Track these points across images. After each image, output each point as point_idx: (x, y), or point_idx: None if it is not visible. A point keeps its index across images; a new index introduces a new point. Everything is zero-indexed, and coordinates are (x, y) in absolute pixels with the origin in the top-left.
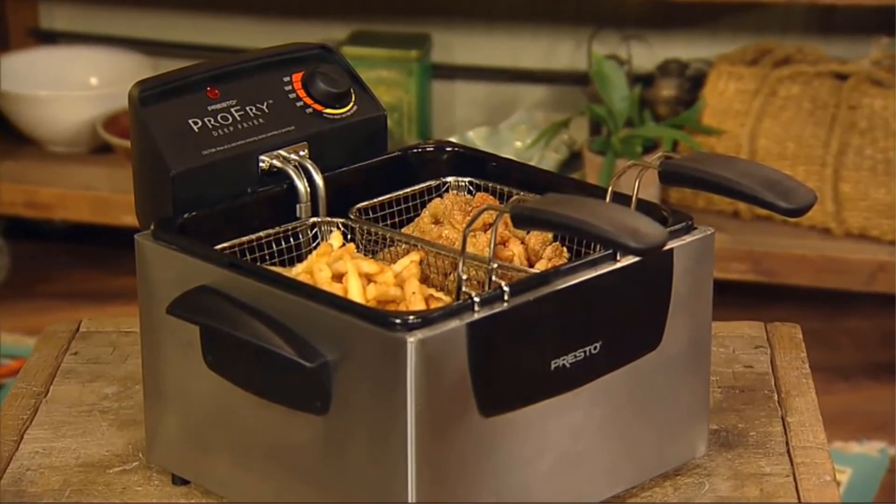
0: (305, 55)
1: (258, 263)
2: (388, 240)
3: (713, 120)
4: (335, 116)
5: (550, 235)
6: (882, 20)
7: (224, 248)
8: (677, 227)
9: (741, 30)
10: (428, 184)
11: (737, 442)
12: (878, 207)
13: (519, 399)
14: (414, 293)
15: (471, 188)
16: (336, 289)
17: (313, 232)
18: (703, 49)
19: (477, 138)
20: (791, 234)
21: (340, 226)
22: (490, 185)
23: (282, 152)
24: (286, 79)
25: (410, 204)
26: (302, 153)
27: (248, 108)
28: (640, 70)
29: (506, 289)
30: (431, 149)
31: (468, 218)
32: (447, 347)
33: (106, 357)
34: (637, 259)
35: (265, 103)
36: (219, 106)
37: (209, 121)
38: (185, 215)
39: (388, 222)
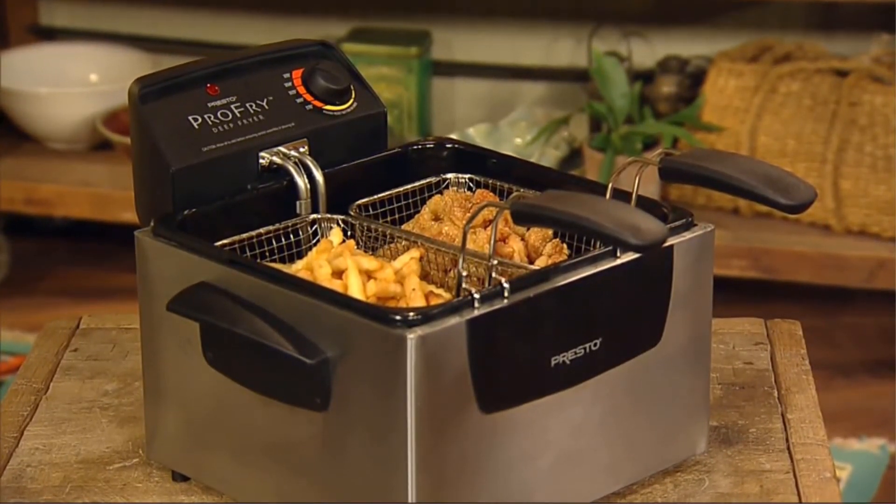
0: (305, 52)
1: (258, 260)
2: (388, 236)
3: (713, 117)
4: (335, 113)
5: (550, 232)
6: (882, 17)
7: (224, 245)
8: (677, 223)
9: (741, 26)
10: (428, 180)
11: (737, 438)
12: (879, 204)
13: (519, 396)
14: (414, 290)
15: (471, 185)
16: (336, 285)
17: (313, 228)
18: (703, 46)
19: (477, 135)
20: (791, 230)
21: (340, 222)
22: (490, 181)
23: (282, 149)
24: (286, 75)
25: (410, 200)
26: (302, 150)
27: (248, 105)
28: (640, 67)
29: (506, 285)
30: (431, 145)
31: (468, 214)
32: (447, 344)
33: (106, 354)
34: (637, 256)
35: (265, 100)
36: (219, 103)
37: (209, 117)
38: (185, 212)
39: (388, 219)
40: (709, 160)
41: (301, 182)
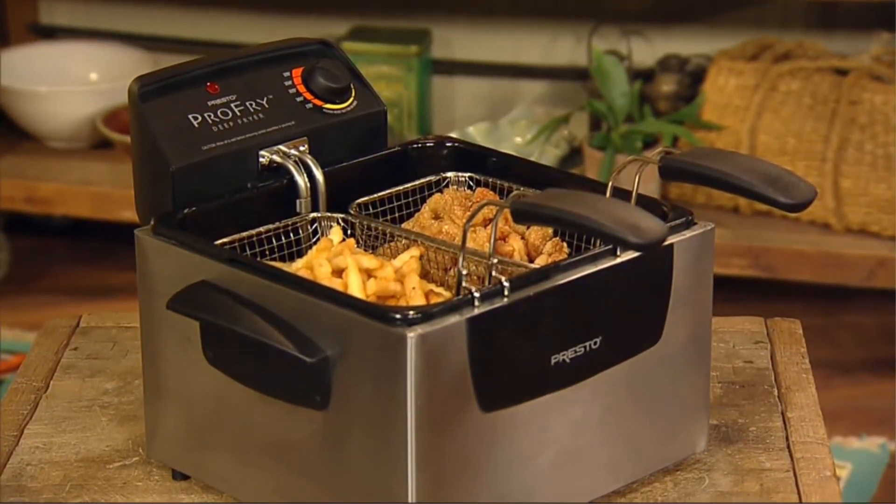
0: (305, 50)
1: (258, 259)
2: (388, 235)
3: (713, 115)
4: (335, 112)
5: (550, 231)
6: (882, 15)
7: (224, 244)
8: (677, 222)
9: (741, 25)
10: (428, 179)
11: (737, 437)
12: (879, 203)
13: (519, 394)
14: (414, 288)
15: (471, 183)
16: (336, 284)
17: (313, 227)
18: (703, 44)
19: (477, 134)
20: (791, 229)
21: (340, 221)
22: (490, 180)
23: (282, 147)
24: (286, 74)
25: (410, 199)
26: (302, 148)
27: (247, 104)
28: (640, 65)
29: (506, 284)
30: (431, 144)
31: (468, 213)
32: (447, 343)
33: (106, 352)
34: (637, 254)
35: (265, 98)
36: (219, 101)
37: (209, 116)
38: (185, 210)
39: (388, 217)
40: (709, 159)
41: (301, 181)
